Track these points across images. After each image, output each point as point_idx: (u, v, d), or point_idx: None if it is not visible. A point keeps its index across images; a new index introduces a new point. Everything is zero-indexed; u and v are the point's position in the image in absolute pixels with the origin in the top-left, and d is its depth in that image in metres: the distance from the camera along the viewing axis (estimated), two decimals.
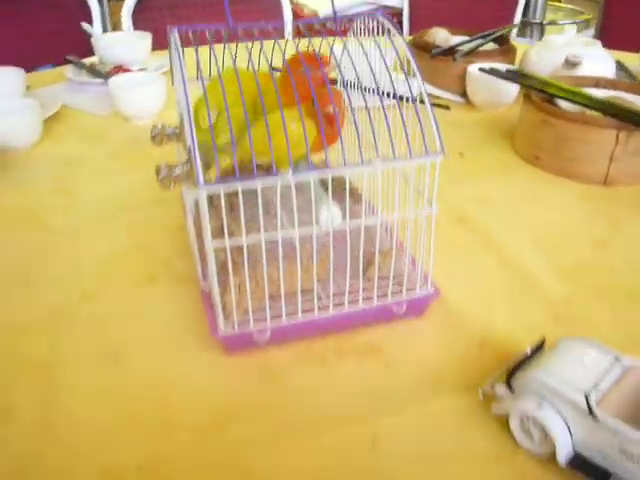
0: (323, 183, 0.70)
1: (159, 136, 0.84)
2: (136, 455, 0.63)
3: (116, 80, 1.50)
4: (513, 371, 0.65)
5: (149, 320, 0.82)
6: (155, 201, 1.07)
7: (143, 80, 1.52)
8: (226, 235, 0.66)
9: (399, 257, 0.80)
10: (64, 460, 0.63)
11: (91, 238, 1.01)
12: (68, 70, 1.85)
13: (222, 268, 0.73)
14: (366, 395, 0.70)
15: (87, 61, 1.90)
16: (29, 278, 0.91)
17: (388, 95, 0.68)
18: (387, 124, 0.66)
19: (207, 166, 0.69)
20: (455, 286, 0.85)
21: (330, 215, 0.69)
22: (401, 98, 0.68)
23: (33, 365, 0.75)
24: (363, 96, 0.69)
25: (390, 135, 0.67)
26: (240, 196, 0.64)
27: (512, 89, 1.49)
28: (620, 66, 1.65)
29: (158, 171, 0.72)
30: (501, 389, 0.66)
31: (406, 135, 0.67)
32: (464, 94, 1.60)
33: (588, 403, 0.57)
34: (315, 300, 0.74)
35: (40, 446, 0.64)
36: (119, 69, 1.78)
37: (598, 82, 1.38)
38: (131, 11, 2.34)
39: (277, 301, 0.73)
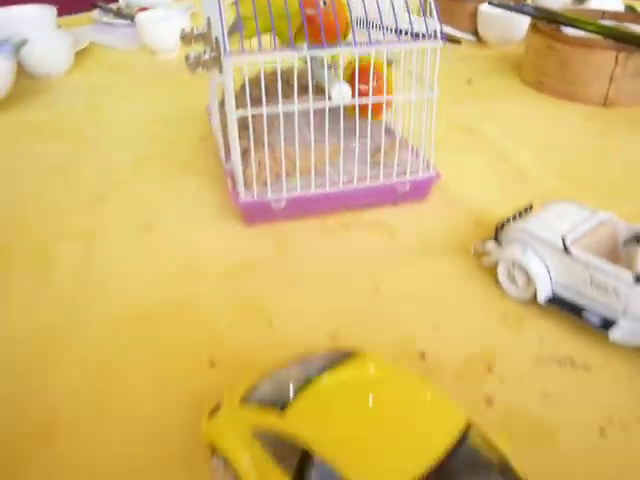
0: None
1: (188, 36, 0.92)
2: (167, 297, 0.72)
3: (143, 15, 1.58)
4: (501, 227, 0.73)
5: (176, 201, 0.91)
6: (176, 119, 1.16)
7: (168, 16, 1.60)
8: (248, 104, 0.74)
9: (403, 147, 0.87)
10: (100, 304, 0.71)
11: (118, 147, 1.10)
12: (95, 13, 1.94)
13: (244, 152, 0.82)
14: (371, 258, 0.78)
15: (113, 5, 1.98)
16: (67, 174, 1.01)
17: None
18: (394, 10, 0.74)
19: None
20: (457, 177, 0.92)
21: (341, 91, 0.76)
22: None
23: (76, 234, 0.84)
24: None
25: (396, 19, 0.74)
26: (262, 69, 0.72)
27: (521, 25, 1.54)
28: (628, 8, 1.69)
29: (187, 57, 0.80)
30: (490, 244, 0.74)
31: (409, 18, 0.74)
32: (476, 33, 1.65)
33: (564, 242, 0.65)
34: (327, 176, 0.83)
35: (78, 293, 0.73)
36: (144, 10, 1.85)
37: (604, 14, 1.43)
38: None
39: (293, 178, 0.82)
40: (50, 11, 1.63)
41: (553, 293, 0.68)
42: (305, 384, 0.44)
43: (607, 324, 0.63)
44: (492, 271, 0.73)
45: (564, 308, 0.66)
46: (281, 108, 0.75)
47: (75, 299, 0.71)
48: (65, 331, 0.66)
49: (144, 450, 0.53)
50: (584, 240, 0.66)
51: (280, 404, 0.43)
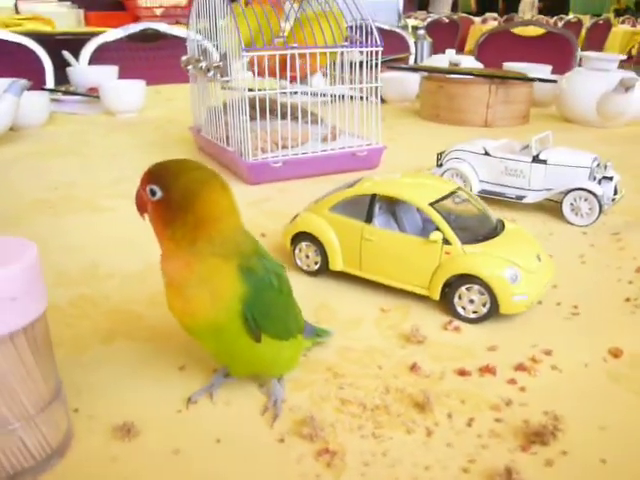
0: None
1: (187, 60, 1.23)
2: None
3: (107, 85, 1.86)
4: (441, 154, 1.06)
5: None
6: (161, 146, 1.44)
7: (127, 84, 1.89)
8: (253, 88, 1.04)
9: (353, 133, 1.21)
10: None
11: (111, 166, 1.33)
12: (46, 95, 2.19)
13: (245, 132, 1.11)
14: None
15: (62, 87, 2.25)
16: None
17: None
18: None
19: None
20: (394, 159, 1.26)
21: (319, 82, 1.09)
22: None
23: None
24: None
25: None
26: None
27: (413, 86, 1.99)
28: None
29: (182, 60, 1.11)
30: (434, 169, 1.06)
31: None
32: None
33: (485, 150, 0.99)
34: (309, 147, 1.14)
35: None
36: (94, 90, 2.14)
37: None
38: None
39: (286, 148, 1.12)
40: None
41: (481, 187, 1.00)
42: (361, 178, 0.72)
43: (520, 197, 0.96)
44: None
45: (490, 194, 0.99)
46: (279, 94, 1.06)
47: None
48: None
49: None
50: (495, 150, 1.01)
51: (349, 185, 0.71)
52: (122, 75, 2.20)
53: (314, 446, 0.46)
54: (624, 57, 1.83)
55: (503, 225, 0.69)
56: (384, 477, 0.43)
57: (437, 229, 0.65)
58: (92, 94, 2.08)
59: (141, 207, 0.48)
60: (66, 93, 2.15)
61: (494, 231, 0.67)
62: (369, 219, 0.68)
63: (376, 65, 1.14)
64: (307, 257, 0.74)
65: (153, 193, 0.45)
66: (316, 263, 0.74)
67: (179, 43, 1.93)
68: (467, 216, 0.70)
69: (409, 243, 0.66)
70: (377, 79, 1.16)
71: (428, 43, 3.13)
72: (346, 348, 0.59)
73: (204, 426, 0.48)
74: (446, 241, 0.64)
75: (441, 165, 1.06)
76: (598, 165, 0.92)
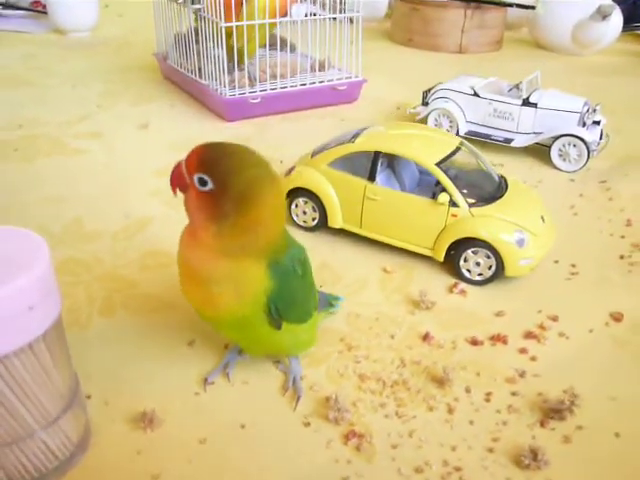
0: None
1: None
2: None
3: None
4: (428, 92, 1.02)
5: (157, 116, 1.10)
6: (122, 72, 1.35)
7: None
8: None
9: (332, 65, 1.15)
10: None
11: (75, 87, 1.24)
12: None
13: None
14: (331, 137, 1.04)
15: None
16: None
17: None
18: None
19: None
20: (376, 83, 1.22)
21: (298, 10, 1.02)
22: None
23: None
24: None
25: None
26: None
27: (382, 4, 1.90)
28: None
29: None
30: (419, 107, 1.03)
31: None
32: None
33: (474, 90, 0.96)
34: (288, 81, 1.08)
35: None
36: (38, 4, 1.97)
37: None
38: None
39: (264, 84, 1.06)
40: None
41: (468, 129, 0.98)
42: (359, 132, 0.69)
43: (508, 140, 0.95)
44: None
45: (478, 136, 0.97)
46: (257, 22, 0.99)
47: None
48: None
49: None
50: (484, 89, 0.98)
51: (348, 139, 0.68)
52: None
53: (340, 429, 0.46)
54: None
55: (506, 182, 0.68)
56: (415, 460, 0.44)
57: (443, 190, 0.63)
58: (37, 8, 1.92)
59: (178, 184, 0.43)
60: (7, 6, 1.97)
61: (499, 190, 0.66)
62: (372, 177, 0.66)
63: None
64: (304, 213, 0.72)
65: (203, 183, 0.40)
66: (314, 219, 0.72)
67: None
68: (470, 173, 0.69)
69: (415, 204, 0.64)
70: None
71: None
72: (355, 315, 0.58)
73: (226, 411, 0.47)
74: (453, 203, 0.63)
75: (427, 104, 1.03)
76: (588, 110, 0.91)
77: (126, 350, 0.53)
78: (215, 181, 0.40)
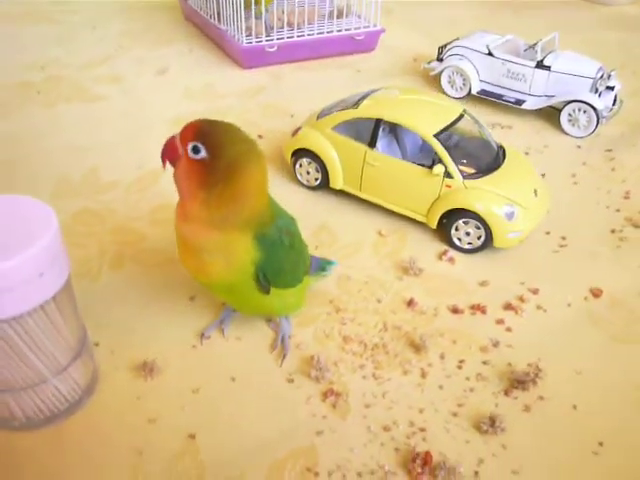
0: None
1: None
2: (198, 110, 0.94)
3: None
4: (443, 47, 1.02)
5: (175, 60, 1.11)
6: (144, 9, 1.35)
7: None
8: None
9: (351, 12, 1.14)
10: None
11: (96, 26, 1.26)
12: None
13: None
14: (347, 84, 1.04)
15: None
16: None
17: None
18: None
19: None
20: (394, 32, 1.21)
21: None
22: None
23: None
24: None
25: None
26: None
27: None
28: None
29: None
30: (434, 63, 1.03)
31: None
32: None
33: (488, 49, 0.95)
34: (305, 30, 1.08)
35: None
36: None
37: None
38: None
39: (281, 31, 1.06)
40: None
41: (481, 87, 0.98)
42: (365, 95, 0.71)
43: (519, 102, 0.95)
44: (436, 81, 1.02)
45: (490, 96, 0.97)
46: None
47: None
48: None
49: None
50: (499, 49, 0.97)
51: (353, 104, 0.70)
52: None
53: (320, 387, 0.51)
54: None
55: (504, 153, 0.70)
56: (383, 419, 0.49)
57: (440, 161, 0.65)
58: None
59: (170, 156, 0.46)
60: None
61: (496, 160, 0.68)
62: (372, 144, 0.68)
63: None
64: (308, 173, 0.75)
65: (196, 151, 0.44)
66: (316, 179, 0.75)
67: None
68: (470, 140, 0.71)
69: (412, 172, 0.67)
70: None
71: None
72: (346, 277, 0.62)
73: (219, 363, 0.52)
74: (448, 174, 0.65)
75: (441, 60, 1.02)
76: (602, 76, 0.91)
77: (133, 302, 0.58)
78: (208, 149, 0.44)
